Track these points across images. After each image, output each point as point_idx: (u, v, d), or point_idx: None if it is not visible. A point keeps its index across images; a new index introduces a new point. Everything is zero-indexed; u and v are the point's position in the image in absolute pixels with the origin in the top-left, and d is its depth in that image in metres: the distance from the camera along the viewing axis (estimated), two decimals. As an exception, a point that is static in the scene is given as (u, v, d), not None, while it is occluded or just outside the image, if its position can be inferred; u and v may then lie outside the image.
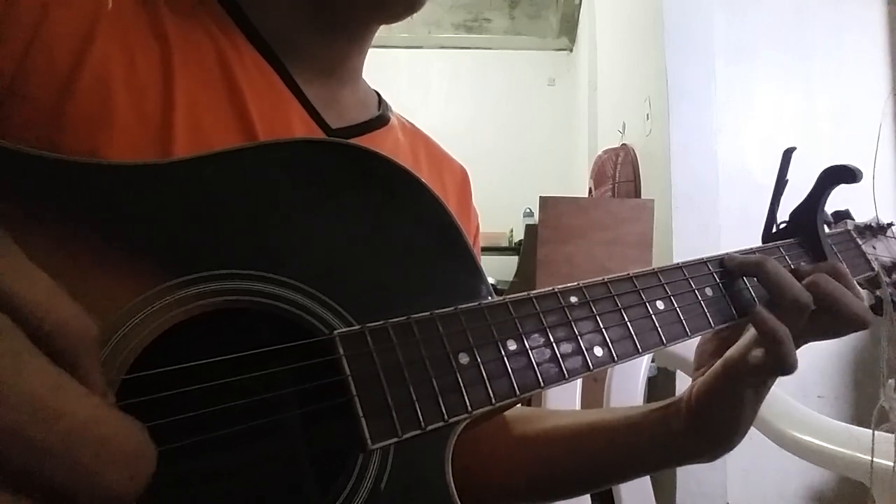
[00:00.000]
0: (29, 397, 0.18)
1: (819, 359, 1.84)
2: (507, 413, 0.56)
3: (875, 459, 0.63)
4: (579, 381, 0.96)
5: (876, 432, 0.61)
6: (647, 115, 2.19)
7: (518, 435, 0.54)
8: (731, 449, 0.47)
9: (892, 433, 0.56)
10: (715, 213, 1.84)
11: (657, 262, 1.75)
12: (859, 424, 1.08)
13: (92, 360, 0.22)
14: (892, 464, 0.65)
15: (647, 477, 1.00)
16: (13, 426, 0.18)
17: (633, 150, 2.45)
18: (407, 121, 0.63)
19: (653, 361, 1.28)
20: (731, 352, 0.46)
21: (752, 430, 1.14)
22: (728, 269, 0.47)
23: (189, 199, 0.33)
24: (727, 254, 0.48)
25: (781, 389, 1.21)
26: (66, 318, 0.21)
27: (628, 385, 1.01)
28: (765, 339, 0.43)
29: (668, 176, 1.89)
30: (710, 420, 0.47)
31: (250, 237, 0.33)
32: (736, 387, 0.45)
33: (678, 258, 0.45)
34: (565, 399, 0.96)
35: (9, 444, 0.18)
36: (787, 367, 0.42)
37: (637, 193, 2.34)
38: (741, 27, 1.97)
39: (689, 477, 1.72)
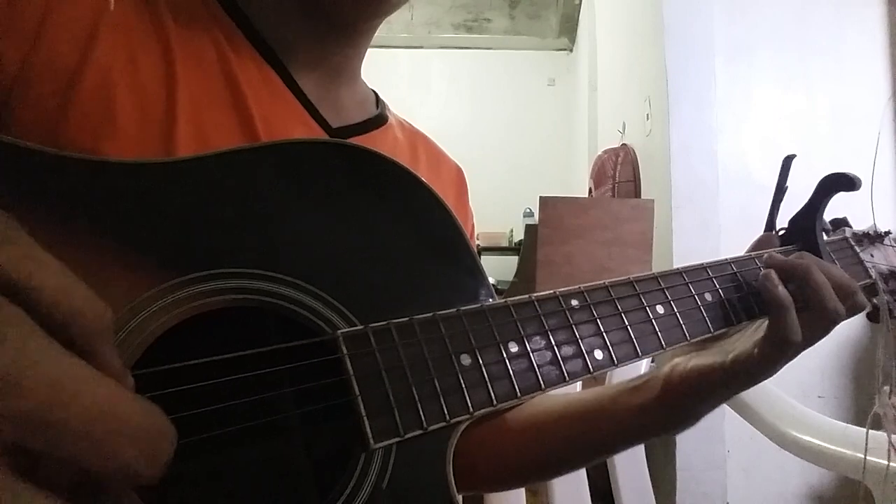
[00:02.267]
0: (45, 380, 0.18)
1: (819, 359, 1.84)
2: None
3: (873, 459, 0.64)
4: (580, 381, 0.96)
5: (873, 432, 0.61)
6: (647, 115, 2.19)
7: (508, 421, 0.54)
8: (684, 430, 0.47)
9: (890, 434, 0.56)
10: (715, 213, 1.84)
11: (657, 261, 1.75)
12: (859, 425, 1.08)
13: (108, 344, 0.22)
14: (891, 464, 0.65)
15: (647, 477, 1.01)
16: (31, 410, 0.18)
17: (633, 150, 2.45)
18: (404, 120, 0.63)
19: (652, 361, 1.28)
20: (742, 351, 0.45)
21: (752, 430, 1.14)
22: (770, 268, 0.46)
23: (194, 198, 0.33)
24: (766, 253, 0.48)
25: (782, 390, 1.22)
26: (79, 304, 0.21)
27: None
28: (772, 306, 0.44)
29: (668, 176, 1.89)
30: (683, 403, 0.46)
31: (255, 236, 0.33)
32: (736, 381, 0.45)
33: (678, 258, 0.46)
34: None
35: (29, 429, 0.18)
36: (792, 336, 0.43)
37: (637, 193, 2.34)
38: (741, 27, 1.97)
39: (689, 477, 1.72)
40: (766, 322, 0.45)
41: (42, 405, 0.18)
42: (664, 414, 0.47)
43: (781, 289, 0.44)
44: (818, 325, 0.45)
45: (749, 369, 0.44)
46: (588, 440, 0.50)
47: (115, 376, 0.22)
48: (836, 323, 0.45)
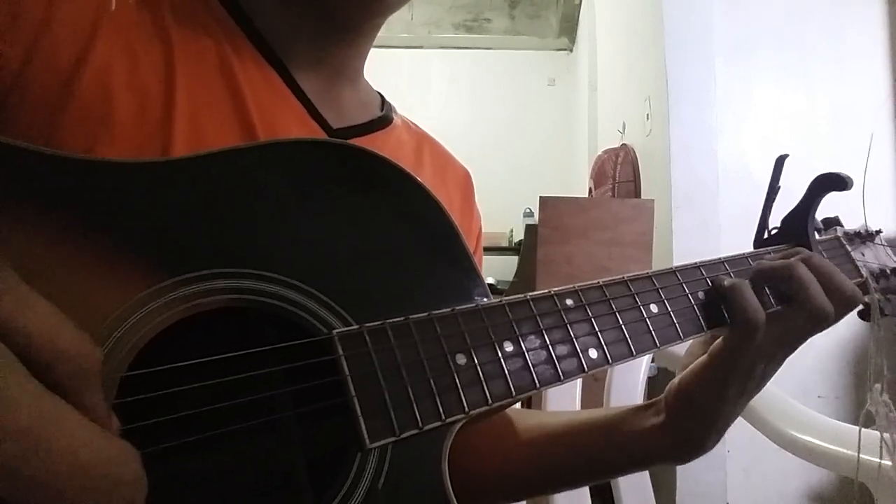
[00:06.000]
0: (19, 430, 0.18)
1: (819, 359, 1.84)
2: (505, 412, 0.56)
3: (873, 459, 0.63)
4: (579, 381, 0.96)
5: (873, 431, 0.61)
6: (647, 115, 2.19)
7: (516, 434, 0.54)
8: (703, 452, 0.47)
9: (887, 432, 0.56)
10: (715, 213, 1.84)
11: (657, 261, 1.75)
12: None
13: (94, 386, 0.22)
14: (889, 463, 0.65)
15: (648, 477, 1.01)
16: (2, 459, 0.18)
17: (633, 150, 2.45)
18: (412, 122, 0.63)
19: (653, 361, 1.28)
20: (716, 345, 0.46)
21: (752, 430, 1.14)
22: (759, 276, 0.46)
23: (188, 198, 0.33)
24: (758, 263, 0.48)
25: (782, 390, 1.22)
26: (65, 346, 0.21)
27: (628, 385, 1.01)
28: (742, 324, 0.43)
29: (668, 176, 1.89)
30: (686, 417, 0.46)
31: (249, 236, 0.33)
32: (720, 380, 0.45)
33: (678, 258, 0.46)
34: (566, 398, 0.96)
35: None
36: (754, 325, 0.43)
37: (637, 193, 2.34)
38: (741, 27, 1.97)
39: (689, 477, 1.72)
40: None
41: (12, 455, 0.18)
42: (669, 434, 0.47)
43: (742, 298, 0.43)
44: (805, 322, 0.45)
45: (725, 366, 0.44)
46: (592, 457, 0.50)
47: (98, 419, 0.22)
48: (824, 320, 0.45)
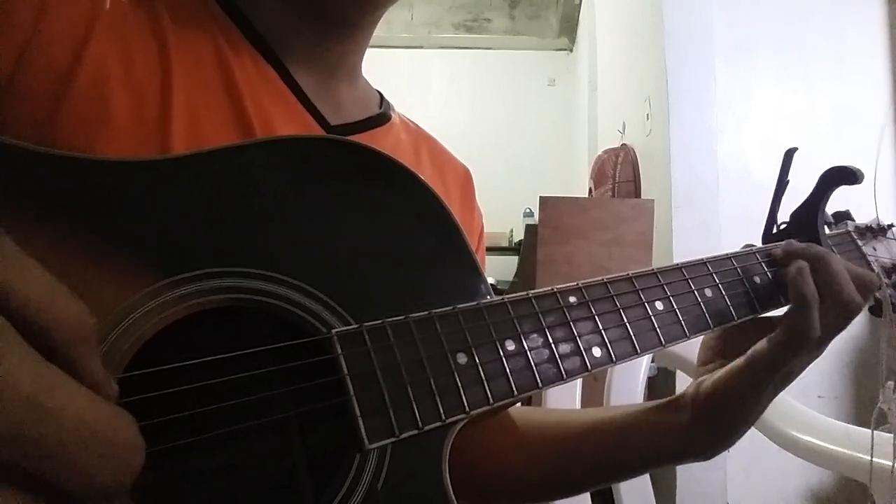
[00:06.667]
0: (19, 395, 0.18)
1: (819, 359, 1.83)
2: (513, 410, 0.55)
3: (875, 459, 0.63)
4: (579, 381, 0.96)
5: (875, 432, 0.60)
6: (647, 115, 2.19)
7: (526, 433, 0.53)
8: (727, 448, 0.47)
9: (892, 433, 0.56)
10: (715, 213, 1.84)
11: (657, 262, 1.75)
12: (859, 424, 1.08)
13: (89, 353, 0.22)
14: (891, 463, 0.65)
15: (648, 477, 1.00)
16: (5, 426, 0.18)
17: (633, 150, 2.44)
18: (411, 121, 0.63)
19: (652, 361, 1.28)
20: (757, 350, 0.45)
21: (752, 430, 1.14)
22: (784, 256, 0.46)
23: (187, 196, 0.32)
24: (785, 242, 0.48)
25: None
26: (62, 313, 0.21)
27: (628, 384, 1.01)
28: (796, 300, 0.43)
29: (668, 176, 1.89)
30: (719, 417, 0.46)
31: (249, 235, 0.33)
32: (760, 381, 0.45)
33: (678, 258, 0.45)
34: (565, 398, 0.96)
35: (2, 442, 0.18)
36: (811, 332, 0.43)
37: (637, 193, 2.33)
38: (741, 27, 1.97)
39: (689, 477, 1.72)
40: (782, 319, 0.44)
41: (17, 421, 0.18)
42: (698, 432, 0.47)
43: (811, 285, 0.43)
44: (837, 315, 0.45)
45: (766, 368, 0.44)
46: (618, 457, 0.49)
47: (97, 384, 0.22)
48: (854, 313, 0.45)
